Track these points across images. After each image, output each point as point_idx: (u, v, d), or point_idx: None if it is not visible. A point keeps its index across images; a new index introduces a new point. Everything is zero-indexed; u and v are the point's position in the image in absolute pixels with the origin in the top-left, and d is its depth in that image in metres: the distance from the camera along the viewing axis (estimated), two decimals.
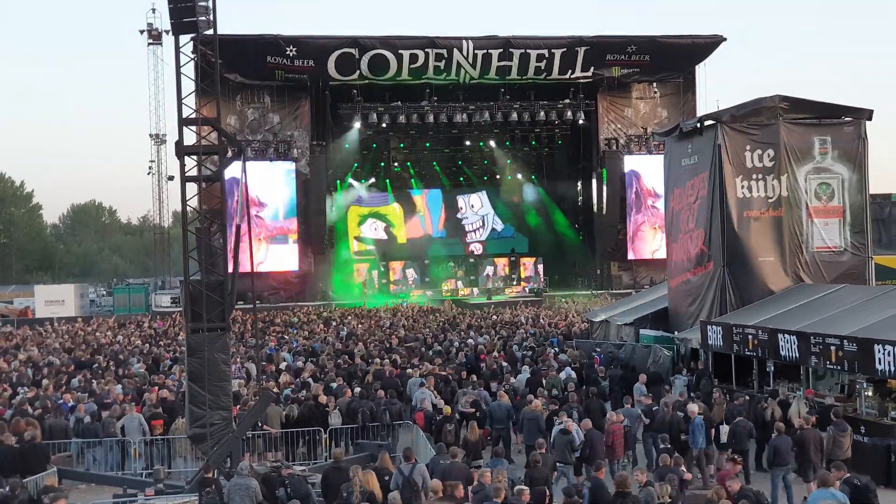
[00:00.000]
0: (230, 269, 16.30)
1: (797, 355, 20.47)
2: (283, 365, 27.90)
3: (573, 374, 24.44)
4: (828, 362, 19.54)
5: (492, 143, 62.60)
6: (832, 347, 19.21)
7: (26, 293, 68.40)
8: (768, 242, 25.81)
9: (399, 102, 55.73)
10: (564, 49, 55.30)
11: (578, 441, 17.53)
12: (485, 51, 54.69)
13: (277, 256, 55.90)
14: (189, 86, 16.26)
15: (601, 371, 24.88)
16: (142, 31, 68.96)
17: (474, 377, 24.31)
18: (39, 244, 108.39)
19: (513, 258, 63.44)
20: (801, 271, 25.79)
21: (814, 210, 26.03)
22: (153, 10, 67.88)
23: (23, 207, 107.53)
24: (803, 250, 25.88)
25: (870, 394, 19.44)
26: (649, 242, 58.30)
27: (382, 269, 60.84)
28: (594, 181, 60.07)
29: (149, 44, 69.32)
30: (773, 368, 21.77)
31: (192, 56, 16.35)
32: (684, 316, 28.12)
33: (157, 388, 23.38)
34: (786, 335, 20.84)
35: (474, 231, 66.95)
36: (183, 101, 15.97)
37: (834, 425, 17.06)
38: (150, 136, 72.50)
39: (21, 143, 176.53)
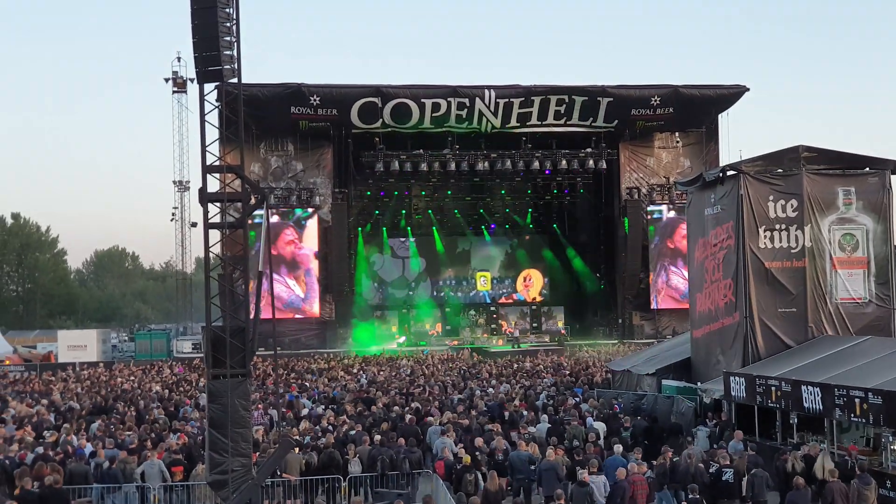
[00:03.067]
0: (252, 316, 16.32)
1: (821, 407, 20.25)
2: (303, 412, 27.86)
3: (594, 425, 24.26)
4: (852, 415, 19.31)
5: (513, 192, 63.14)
6: (857, 400, 19.00)
7: (49, 338, 68.72)
8: (791, 293, 25.63)
9: (421, 150, 56.06)
10: (586, 98, 55.55)
11: (600, 493, 17.34)
12: (506, 99, 55.02)
13: (298, 303, 56.20)
14: (213, 133, 16.38)
15: (626, 421, 24.63)
16: (167, 80, 69.70)
17: (492, 426, 24.10)
18: (63, 289, 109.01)
19: (533, 307, 63.53)
20: (825, 323, 25.55)
21: (838, 261, 25.84)
22: (178, 59, 68.61)
23: (47, 253, 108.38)
24: (827, 301, 25.66)
25: None
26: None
27: (404, 317, 61.11)
28: (616, 230, 60.10)
29: (173, 91, 70.02)
30: (796, 420, 21.55)
31: (217, 104, 16.50)
32: (707, 367, 27.93)
33: (176, 433, 23.36)
34: (809, 387, 20.63)
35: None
36: (207, 148, 16.07)
37: (858, 478, 16.85)
38: (174, 182, 73.03)
39: (46, 189, 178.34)
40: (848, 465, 18.51)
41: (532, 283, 66.26)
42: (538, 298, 66.00)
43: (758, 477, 17.94)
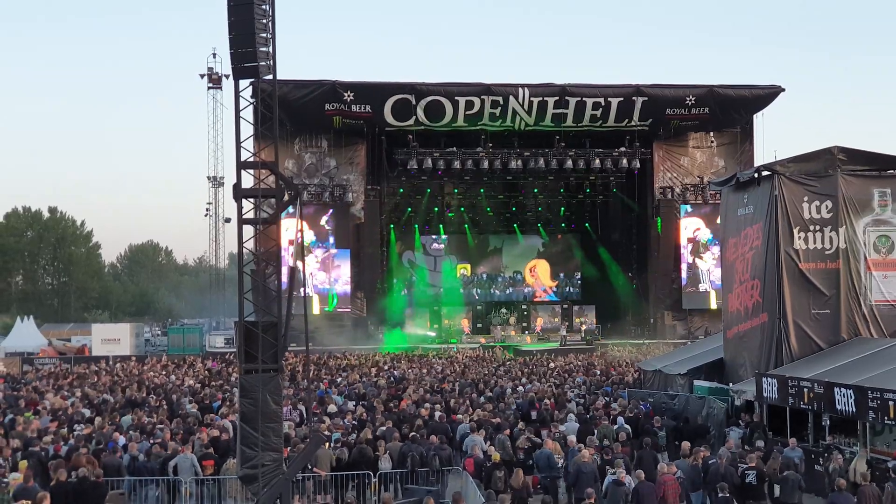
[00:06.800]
0: (284, 312, 16.41)
1: (854, 409, 20.10)
2: (333, 408, 27.94)
3: (625, 424, 24.20)
4: (885, 417, 19.17)
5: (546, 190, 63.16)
6: (890, 402, 18.86)
7: (84, 331, 69.35)
8: (825, 295, 25.46)
9: (454, 148, 56.08)
10: (621, 99, 55.32)
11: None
12: (540, 98, 54.88)
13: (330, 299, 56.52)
14: (248, 129, 16.47)
15: (657, 421, 24.54)
16: (202, 76, 69.96)
17: (522, 424, 24.13)
18: (97, 283, 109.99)
19: (565, 306, 63.45)
20: (859, 324, 25.38)
21: (872, 263, 25.66)
22: (214, 55, 68.84)
23: (82, 247, 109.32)
24: (861, 303, 25.48)
25: None
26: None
27: (435, 314, 61.28)
28: (649, 230, 59.91)
29: (209, 88, 70.28)
30: (828, 422, 21.41)
31: (252, 100, 16.57)
32: (739, 367, 27.79)
33: (208, 427, 23.50)
34: (842, 389, 20.48)
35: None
36: (242, 144, 16.16)
37: (893, 482, 16.73)
38: (208, 178, 73.38)
39: (81, 183, 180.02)
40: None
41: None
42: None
43: (790, 480, 17.82)
